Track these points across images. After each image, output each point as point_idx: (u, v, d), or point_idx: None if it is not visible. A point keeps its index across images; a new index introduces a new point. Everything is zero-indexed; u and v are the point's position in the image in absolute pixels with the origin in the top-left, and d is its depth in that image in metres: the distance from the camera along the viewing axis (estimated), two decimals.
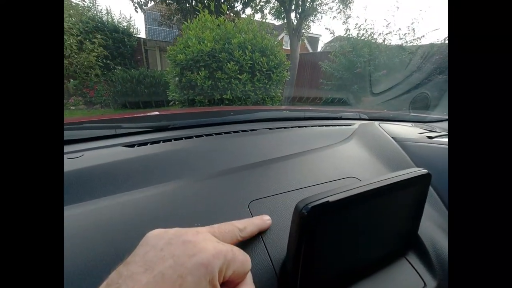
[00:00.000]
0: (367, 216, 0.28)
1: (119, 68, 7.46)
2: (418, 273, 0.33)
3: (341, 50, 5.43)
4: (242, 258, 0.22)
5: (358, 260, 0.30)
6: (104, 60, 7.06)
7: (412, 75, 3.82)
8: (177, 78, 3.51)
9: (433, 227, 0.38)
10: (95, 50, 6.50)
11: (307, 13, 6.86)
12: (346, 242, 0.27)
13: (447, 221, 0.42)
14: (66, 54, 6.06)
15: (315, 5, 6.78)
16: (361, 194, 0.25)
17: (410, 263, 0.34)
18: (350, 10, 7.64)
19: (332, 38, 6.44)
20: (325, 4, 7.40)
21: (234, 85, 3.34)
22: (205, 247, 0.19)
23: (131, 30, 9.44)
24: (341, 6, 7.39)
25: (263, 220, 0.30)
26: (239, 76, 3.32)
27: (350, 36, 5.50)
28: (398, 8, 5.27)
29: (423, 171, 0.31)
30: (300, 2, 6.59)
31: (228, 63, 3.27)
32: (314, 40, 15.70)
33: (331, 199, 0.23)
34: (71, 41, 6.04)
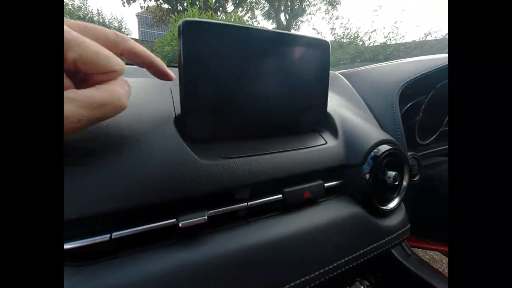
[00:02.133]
0: (265, 62, 0.29)
1: None
2: (322, 136, 0.35)
3: None
4: (98, 49, 0.17)
5: (261, 112, 0.31)
6: None
7: None
8: None
9: (344, 111, 0.41)
10: None
11: (296, 13, 7.04)
12: (241, 81, 0.29)
13: (362, 109, 0.45)
14: None
15: (303, 6, 6.99)
16: (252, 30, 0.28)
17: (320, 134, 0.36)
18: (337, 11, 7.90)
19: None
20: (313, 5, 7.63)
21: None
22: None
23: (123, 30, 9.42)
24: (328, 8, 7.65)
25: (161, 63, 0.25)
26: None
27: (337, 36, 5.66)
28: (381, 6, 5.50)
29: (323, 38, 0.34)
30: (289, 3, 6.77)
31: None
32: None
33: (214, 22, 0.26)
34: None
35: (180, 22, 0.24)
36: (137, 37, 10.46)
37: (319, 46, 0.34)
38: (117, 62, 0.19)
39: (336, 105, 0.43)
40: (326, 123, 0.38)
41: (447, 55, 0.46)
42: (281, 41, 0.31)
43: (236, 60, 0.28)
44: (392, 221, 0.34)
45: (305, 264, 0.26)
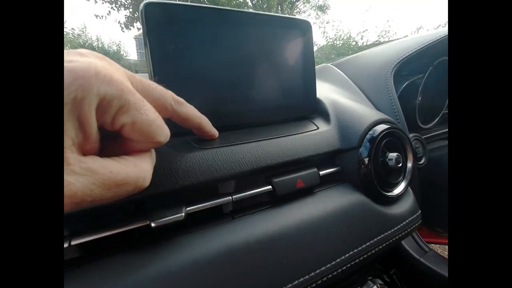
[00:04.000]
0: (242, 45, 0.28)
1: None
2: (314, 123, 0.33)
3: (321, 51, 5.64)
4: (154, 117, 0.15)
5: (242, 99, 0.29)
6: None
7: None
8: None
9: (336, 96, 0.38)
10: None
11: None
12: (215, 66, 0.26)
13: (356, 94, 0.43)
14: None
15: (294, 13, 7.13)
16: (224, 12, 0.26)
17: (311, 121, 0.34)
18: (327, 15, 8.05)
19: (317, 48, 6.65)
20: (303, 12, 7.78)
21: None
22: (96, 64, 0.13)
23: (122, 53, 9.75)
24: (318, 13, 7.79)
25: (209, 124, 0.24)
26: None
27: (329, 39, 5.74)
28: (371, 6, 5.58)
29: (304, 19, 0.32)
30: (279, 12, 6.92)
31: None
32: None
33: (179, 4, 0.24)
34: None
35: (141, 4, 0.23)
36: (135, 58, 10.79)
37: (300, 26, 0.32)
38: (165, 133, 0.16)
39: (328, 91, 0.41)
40: (318, 109, 0.36)
41: (440, 30, 0.44)
42: (259, 22, 0.29)
43: (210, 44, 0.26)
44: (400, 208, 0.31)
45: (303, 261, 0.23)
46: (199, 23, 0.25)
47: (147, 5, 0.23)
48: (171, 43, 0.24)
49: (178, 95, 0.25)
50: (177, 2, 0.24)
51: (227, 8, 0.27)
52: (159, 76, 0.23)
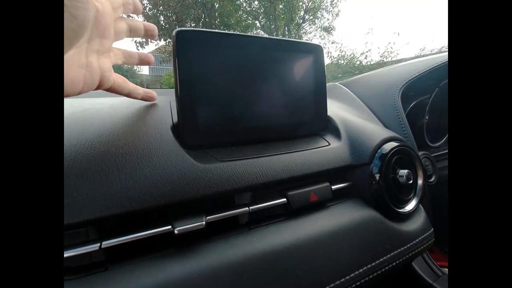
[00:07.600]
0: (261, 67, 0.30)
1: None
2: (325, 139, 0.34)
3: (327, 69, 5.80)
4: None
5: (260, 117, 0.31)
6: None
7: None
8: None
9: (346, 114, 0.40)
10: None
11: None
12: (237, 87, 0.29)
13: (365, 112, 0.44)
14: None
15: (300, 34, 7.46)
16: (246, 38, 0.29)
17: (322, 137, 0.35)
18: (332, 36, 8.38)
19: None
20: (309, 33, 8.13)
21: None
22: None
23: (135, 68, 10.24)
24: (324, 33, 8.13)
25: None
26: None
27: (334, 58, 5.92)
28: (372, 28, 5.81)
29: (316, 43, 0.35)
30: (287, 32, 7.24)
31: None
32: None
33: (205, 30, 0.27)
34: None
35: (174, 31, 0.25)
36: (147, 73, 11.29)
37: (313, 50, 0.34)
38: None
39: (337, 109, 0.43)
40: (328, 126, 0.37)
41: (445, 54, 0.46)
42: (275, 47, 0.31)
43: (231, 66, 0.28)
44: (412, 225, 0.31)
45: (316, 274, 0.23)
46: (223, 47, 0.28)
47: (179, 32, 0.25)
48: (196, 64, 0.26)
49: (201, 110, 0.27)
50: (203, 29, 0.27)
51: (248, 34, 0.30)
52: (184, 93, 0.26)
